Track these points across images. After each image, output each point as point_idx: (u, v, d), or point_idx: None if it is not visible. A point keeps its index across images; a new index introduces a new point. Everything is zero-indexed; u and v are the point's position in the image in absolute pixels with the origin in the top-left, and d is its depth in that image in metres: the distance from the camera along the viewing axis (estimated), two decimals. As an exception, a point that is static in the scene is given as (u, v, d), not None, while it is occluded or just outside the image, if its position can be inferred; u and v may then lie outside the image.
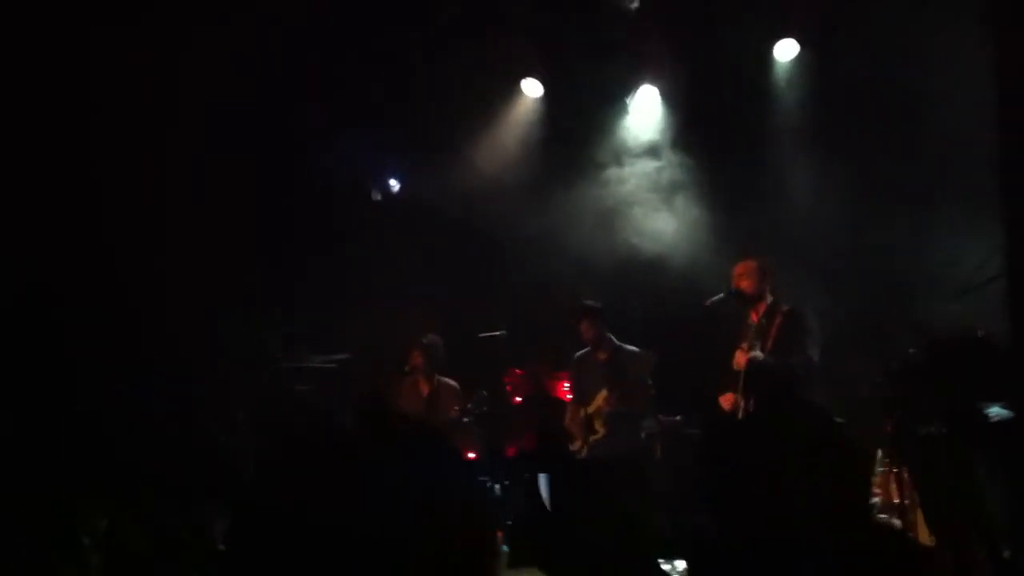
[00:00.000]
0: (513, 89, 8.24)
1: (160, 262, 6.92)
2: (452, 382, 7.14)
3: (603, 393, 6.79)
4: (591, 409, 6.84)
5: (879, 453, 5.73)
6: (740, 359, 5.87)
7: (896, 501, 5.34)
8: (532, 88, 8.24)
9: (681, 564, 5.16)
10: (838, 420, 5.40)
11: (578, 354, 7.07)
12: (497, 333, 7.11)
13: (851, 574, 2.44)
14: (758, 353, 5.84)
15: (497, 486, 6.84)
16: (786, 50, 7.62)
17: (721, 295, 6.09)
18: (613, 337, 6.92)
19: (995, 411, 4.83)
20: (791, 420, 2.55)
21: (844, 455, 2.42)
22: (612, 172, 8.03)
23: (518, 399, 7.72)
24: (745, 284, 6.07)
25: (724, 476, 2.45)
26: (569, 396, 7.30)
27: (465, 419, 6.90)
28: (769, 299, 6.04)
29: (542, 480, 6.43)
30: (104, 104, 6.76)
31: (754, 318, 6.02)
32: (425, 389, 7.10)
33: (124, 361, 6.81)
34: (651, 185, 7.91)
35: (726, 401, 5.97)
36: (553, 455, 6.73)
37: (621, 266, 7.76)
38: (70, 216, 6.71)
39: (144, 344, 6.91)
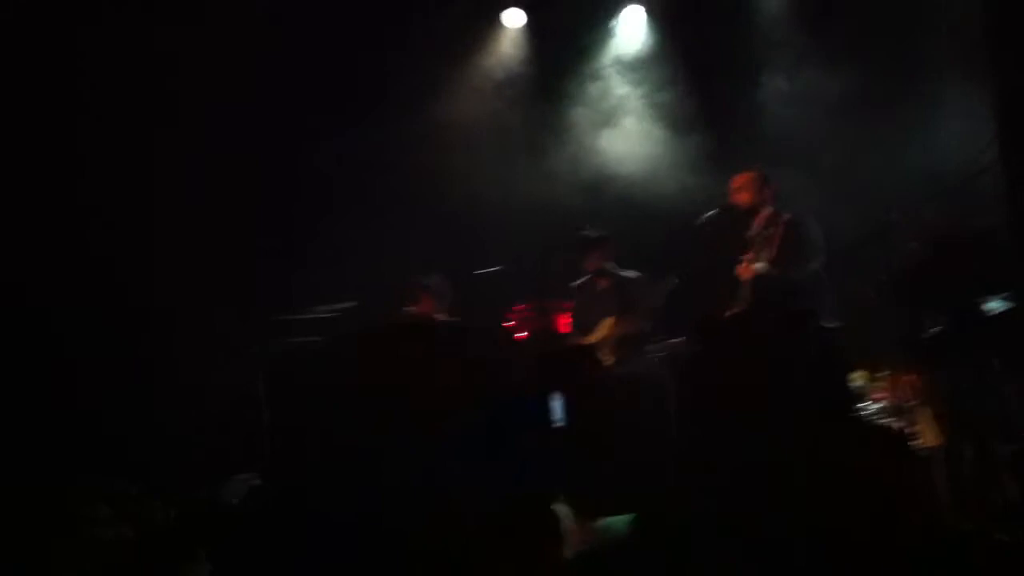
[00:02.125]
0: (494, 20, 8.12)
1: (149, 230, 6.96)
2: (459, 321, 7.11)
3: (609, 320, 6.77)
4: (596, 338, 6.82)
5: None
6: (745, 271, 5.83)
7: (902, 403, 5.34)
8: (514, 18, 8.12)
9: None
10: (832, 325, 5.46)
11: (578, 281, 7.04)
12: (495, 268, 7.07)
13: (837, 473, 2.44)
14: (762, 264, 5.80)
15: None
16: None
17: (715, 211, 6.05)
18: (615, 264, 6.89)
19: (995, 305, 4.79)
20: (770, 328, 2.56)
21: (822, 357, 2.43)
22: (600, 95, 7.92)
23: (523, 334, 7.68)
24: (743, 196, 6.03)
25: (702, 387, 2.46)
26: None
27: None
28: (769, 209, 5.99)
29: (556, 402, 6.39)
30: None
31: (756, 229, 5.97)
32: (433, 333, 7.06)
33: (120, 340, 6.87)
34: (640, 107, 7.81)
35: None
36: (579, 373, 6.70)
37: (611, 189, 7.69)
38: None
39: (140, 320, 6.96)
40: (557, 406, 5.68)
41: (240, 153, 7.31)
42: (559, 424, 5.35)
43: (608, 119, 7.90)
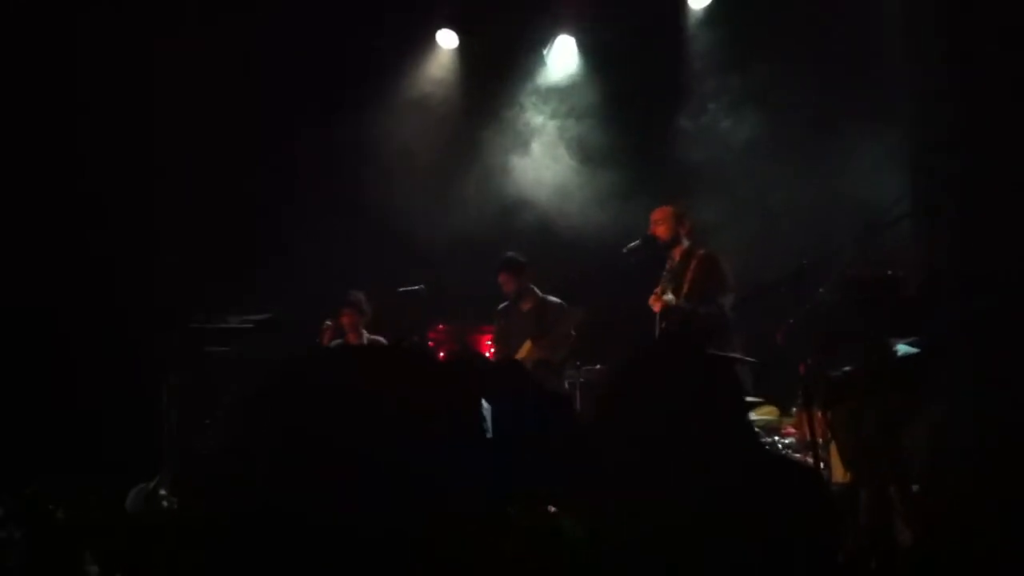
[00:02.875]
0: (429, 40, 8.14)
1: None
2: (380, 338, 7.08)
3: (527, 344, 6.82)
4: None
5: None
6: (655, 303, 5.96)
7: (812, 439, 5.45)
8: (448, 39, 8.14)
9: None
10: (737, 356, 5.57)
11: (501, 306, 7.10)
12: (416, 287, 7.06)
13: (754, 506, 2.48)
14: (670, 297, 5.92)
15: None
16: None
17: (638, 242, 6.16)
18: (536, 289, 6.94)
19: (903, 348, 4.94)
20: (670, 362, 2.61)
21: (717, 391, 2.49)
22: (529, 122, 7.99)
23: (442, 354, 7.69)
24: (661, 230, 6.18)
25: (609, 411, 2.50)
26: (492, 349, 7.31)
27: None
28: (686, 243, 6.14)
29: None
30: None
31: (670, 263, 6.12)
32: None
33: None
34: (568, 136, 7.91)
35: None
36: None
37: (528, 215, 7.77)
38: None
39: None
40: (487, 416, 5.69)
41: (168, 155, 7.31)
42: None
43: (529, 146, 7.99)
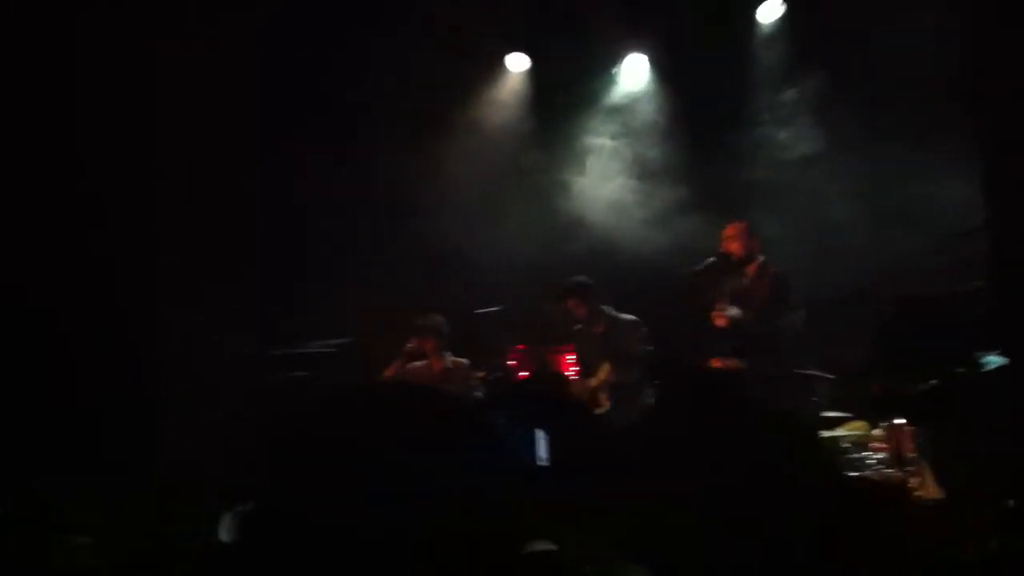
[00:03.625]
0: (498, 65, 8.22)
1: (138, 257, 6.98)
2: (464, 360, 7.13)
3: (606, 365, 6.80)
4: (594, 383, 6.85)
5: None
6: (718, 320, 5.90)
7: (902, 455, 5.33)
8: (517, 63, 8.21)
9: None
10: (817, 374, 5.49)
11: (576, 328, 7.08)
12: (495, 309, 7.10)
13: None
14: (735, 311, 5.87)
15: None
16: (770, 11, 7.62)
17: (711, 259, 6.10)
18: (609, 309, 6.93)
19: (992, 360, 4.81)
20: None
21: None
22: (595, 142, 8.00)
23: (523, 375, 7.72)
24: (735, 246, 6.11)
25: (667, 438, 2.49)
26: (572, 370, 7.30)
27: (479, 394, 6.92)
28: (760, 259, 6.07)
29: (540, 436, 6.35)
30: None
31: (745, 279, 6.05)
32: (437, 368, 7.06)
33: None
34: (641, 154, 7.88)
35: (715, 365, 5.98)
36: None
37: (612, 237, 7.73)
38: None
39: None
40: (542, 444, 5.67)
41: (241, 180, 7.36)
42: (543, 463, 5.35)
43: (602, 165, 7.97)
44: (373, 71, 7.58)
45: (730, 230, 6.14)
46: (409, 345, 7.11)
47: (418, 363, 7.09)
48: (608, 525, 2.73)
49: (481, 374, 7.15)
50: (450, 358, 7.04)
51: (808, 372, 5.52)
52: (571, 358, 7.39)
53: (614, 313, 6.92)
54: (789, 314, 5.85)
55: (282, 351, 6.96)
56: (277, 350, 6.93)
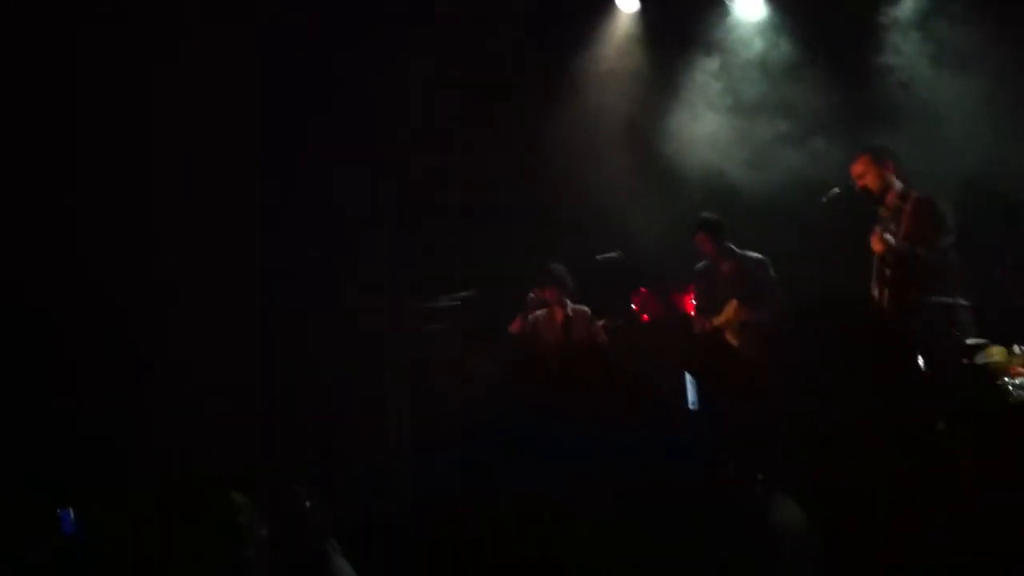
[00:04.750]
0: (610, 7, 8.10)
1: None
2: (584, 308, 7.17)
3: (733, 303, 6.72)
4: (720, 320, 6.78)
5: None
6: (876, 244, 5.70)
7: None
8: (628, 3, 8.08)
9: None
10: (962, 303, 5.31)
11: (699, 266, 7.00)
12: (613, 254, 7.08)
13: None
14: (891, 238, 5.66)
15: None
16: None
17: (836, 190, 5.92)
18: (734, 246, 6.83)
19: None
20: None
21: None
22: (720, 78, 7.80)
23: (646, 317, 7.70)
24: (868, 180, 5.85)
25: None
26: (695, 310, 7.24)
27: (602, 340, 6.96)
28: (899, 186, 5.83)
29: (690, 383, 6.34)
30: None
31: (886, 211, 5.84)
32: (560, 317, 7.12)
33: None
34: (759, 88, 7.65)
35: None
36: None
37: (737, 172, 7.54)
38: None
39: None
40: (691, 389, 5.68)
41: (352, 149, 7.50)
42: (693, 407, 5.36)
43: (722, 102, 7.75)
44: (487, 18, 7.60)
45: (858, 167, 5.87)
46: (531, 295, 7.21)
47: (540, 312, 7.19)
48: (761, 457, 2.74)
49: (603, 321, 7.18)
50: (571, 306, 7.10)
51: (946, 301, 5.33)
52: (693, 300, 7.33)
53: (740, 251, 6.82)
54: (937, 241, 5.63)
55: (415, 305, 7.12)
56: (411, 304, 7.09)
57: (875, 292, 5.73)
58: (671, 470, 2.59)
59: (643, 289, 7.70)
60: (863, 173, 5.84)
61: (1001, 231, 5.44)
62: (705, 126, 7.70)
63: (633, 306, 7.65)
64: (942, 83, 6.82)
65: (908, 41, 7.03)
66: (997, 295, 5.58)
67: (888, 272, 5.68)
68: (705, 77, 7.76)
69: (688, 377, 5.90)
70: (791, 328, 4.48)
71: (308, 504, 3.56)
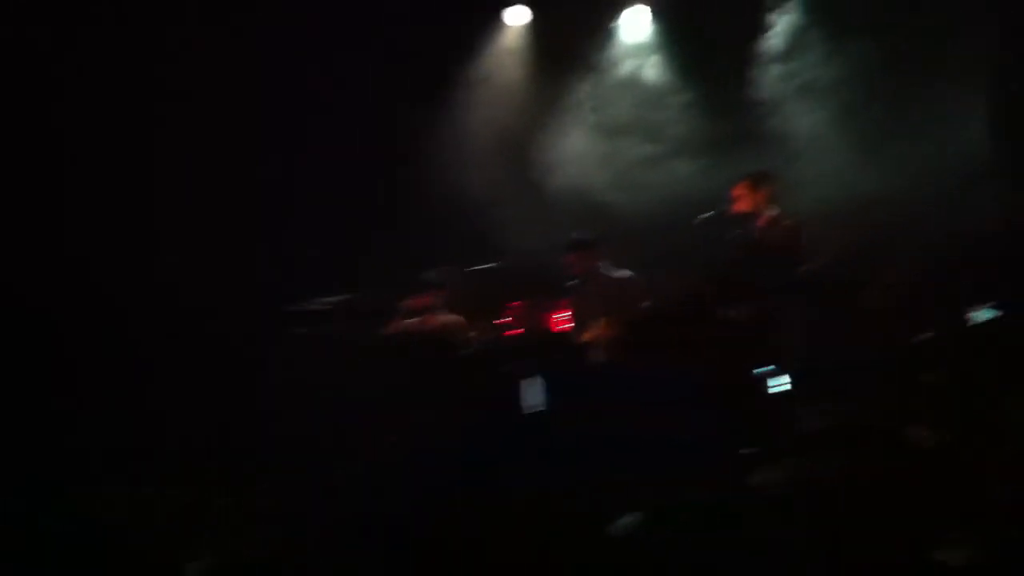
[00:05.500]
0: (496, 19, 8.14)
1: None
2: (458, 317, 7.15)
3: (603, 320, 6.80)
4: (589, 337, 6.85)
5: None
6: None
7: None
8: (518, 16, 8.12)
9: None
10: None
11: (571, 283, 7.07)
12: (490, 266, 7.09)
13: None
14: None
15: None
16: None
17: (711, 213, 6.09)
18: (604, 265, 6.92)
19: (982, 314, 4.81)
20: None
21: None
22: (609, 96, 7.93)
23: (518, 331, 7.73)
24: (742, 205, 6.08)
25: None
26: (567, 326, 7.30)
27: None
28: (771, 212, 6.04)
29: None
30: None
31: (756, 232, 6.03)
32: (432, 325, 7.08)
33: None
34: (642, 108, 7.81)
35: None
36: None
37: (611, 191, 7.69)
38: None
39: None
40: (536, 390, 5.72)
41: (233, 149, 7.33)
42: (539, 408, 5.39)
43: (592, 122, 7.94)
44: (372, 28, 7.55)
45: (736, 191, 6.13)
46: (407, 302, 7.17)
47: (413, 319, 7.13)
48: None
49: (473, 334, 7.18)
50: (445, 315, 7.08)
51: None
52: (566, 315, 7.39)
53: (612, 269, 6.91)
54: (800, 268, 5.81)
55: (288, 308, 6.98)
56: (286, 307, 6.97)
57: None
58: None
59: (517, 303, 7.73)
60: (740, 196, 6.07)
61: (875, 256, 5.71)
62: (574, 145, 7.83)
63: (508, 318, 7.67)
64: (800, 114, 7.11)
65: (771, 74, 7.33)
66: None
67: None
68: (579, 96, 7.90)
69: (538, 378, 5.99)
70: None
71: None
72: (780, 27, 7.43)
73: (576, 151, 7.87)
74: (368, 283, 7.18)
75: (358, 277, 7.39)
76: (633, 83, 7.90)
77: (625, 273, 6.89)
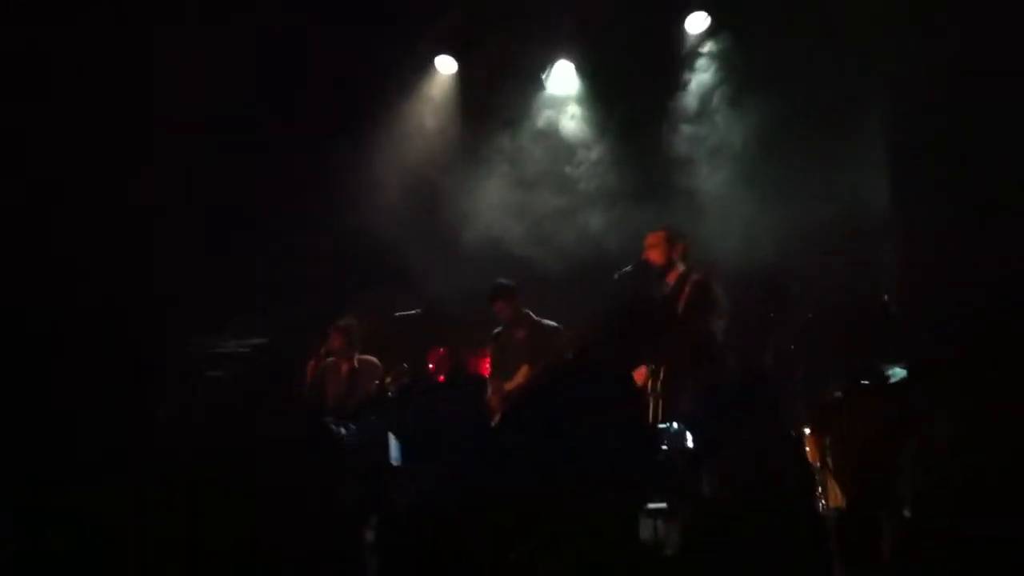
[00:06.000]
0: (427, 67, 8.19)
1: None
2: (372, 359, 7.15)
3: (524, 369, 6.80)
4: (512, 385, 6.84)
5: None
6: (639, 377, 5.86)
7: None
8: (446, 65, 8.18)
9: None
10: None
11: (496, 331, 7.08)
12: (413, 312, 7.08)
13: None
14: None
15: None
16: (697, 22, 7.73)
17: (629, 267, 6.13)
18: (531, 313, 6.94)
19: (896, 372, 4.90)
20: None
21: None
22: (527, 148, 8.01)
23: (441, 377, 7.71)
24: (654, 255, 6.15)
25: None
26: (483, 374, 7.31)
27: (389, 393, 6.92)
28: (681, 267, 6.10)
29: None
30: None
31: (666, 287, 6.08)
32: (345, 368, 7.13)
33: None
34: (566, 161, 7.92)
35: (638, 375, 5.98)
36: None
37: (536, 243, 7.75)
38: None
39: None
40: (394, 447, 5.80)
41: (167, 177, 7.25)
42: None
43: (509, 173, 8.02)
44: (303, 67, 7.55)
45: (651, 239, 6.18)
46: (325, 346, 7.13)
47: (328, 361, 7.16)
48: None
49: (388, 379, 7.13)
50: (359, 358, 7.11)
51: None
52: (488, 363, 7.39)
53: (535, 318, 6.93)
54: (711, 323, 5.87)
55: (202, 349, 6.84)
56: (202, 348, 6.83)
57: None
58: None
59: (441, 350, 7.72)
60: (653, 246, 6.14)
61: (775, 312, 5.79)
62: (490, 195, 7.90)
63: (430, 365, 7.65)
64: (711, 171, 7.31)
65: (684, 132, 7.53)
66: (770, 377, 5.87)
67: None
68: (498, 147, 7.98)
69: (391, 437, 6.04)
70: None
71: None
72: (693, 86, 7.60)
73: (483, 201, 7.94)
74: (278, 324, 7.11)
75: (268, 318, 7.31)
76: (541, 135, 8.04)
77: (549, 323, 6.93)
